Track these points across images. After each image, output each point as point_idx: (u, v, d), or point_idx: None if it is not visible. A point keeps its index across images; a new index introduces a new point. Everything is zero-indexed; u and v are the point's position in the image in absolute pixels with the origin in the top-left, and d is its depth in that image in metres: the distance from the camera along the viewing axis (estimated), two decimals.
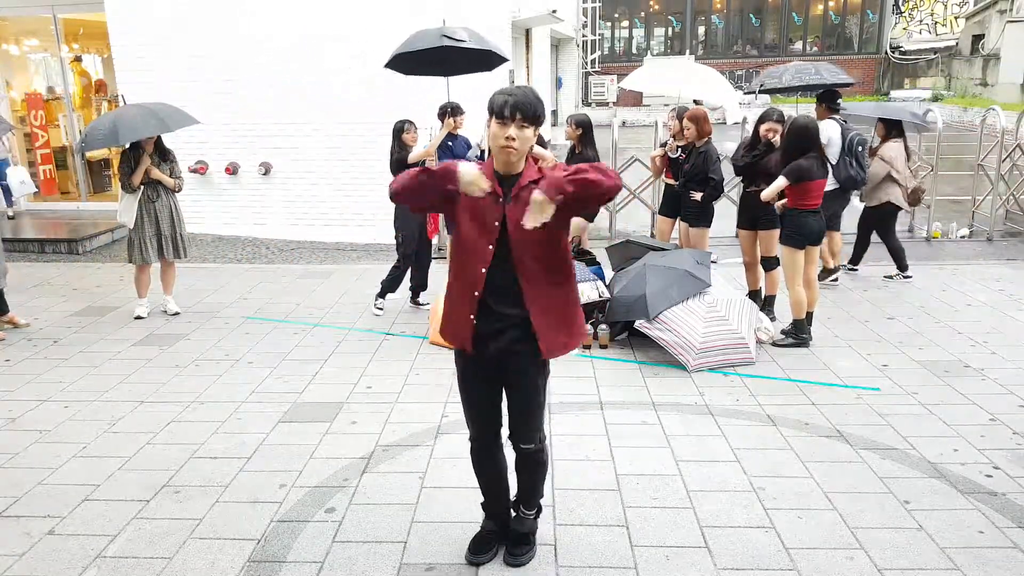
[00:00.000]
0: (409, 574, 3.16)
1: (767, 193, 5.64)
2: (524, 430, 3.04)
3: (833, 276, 7.21)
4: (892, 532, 3.38)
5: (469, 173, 2.69)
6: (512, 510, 3.30)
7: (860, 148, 6.88)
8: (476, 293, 2.82)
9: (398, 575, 3.16)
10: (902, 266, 7.28)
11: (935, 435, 4.28)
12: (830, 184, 6.32)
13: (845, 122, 7.02)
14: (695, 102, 8.12)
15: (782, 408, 4.67)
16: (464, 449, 4.14)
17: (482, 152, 6.87)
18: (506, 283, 2.80)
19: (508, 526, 3.28)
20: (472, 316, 2.84)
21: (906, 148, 7.32)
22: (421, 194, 2.82)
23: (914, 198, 6.58)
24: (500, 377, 3.00)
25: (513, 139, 2.67)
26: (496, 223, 2.76)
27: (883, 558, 3.20)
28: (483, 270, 2.79)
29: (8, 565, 3.25)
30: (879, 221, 7.37)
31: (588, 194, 2.65)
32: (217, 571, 3.20)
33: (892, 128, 7.34)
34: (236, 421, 4.62)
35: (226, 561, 3.26)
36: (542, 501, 3.32)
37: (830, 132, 6.77)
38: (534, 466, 3.13)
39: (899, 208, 7.32)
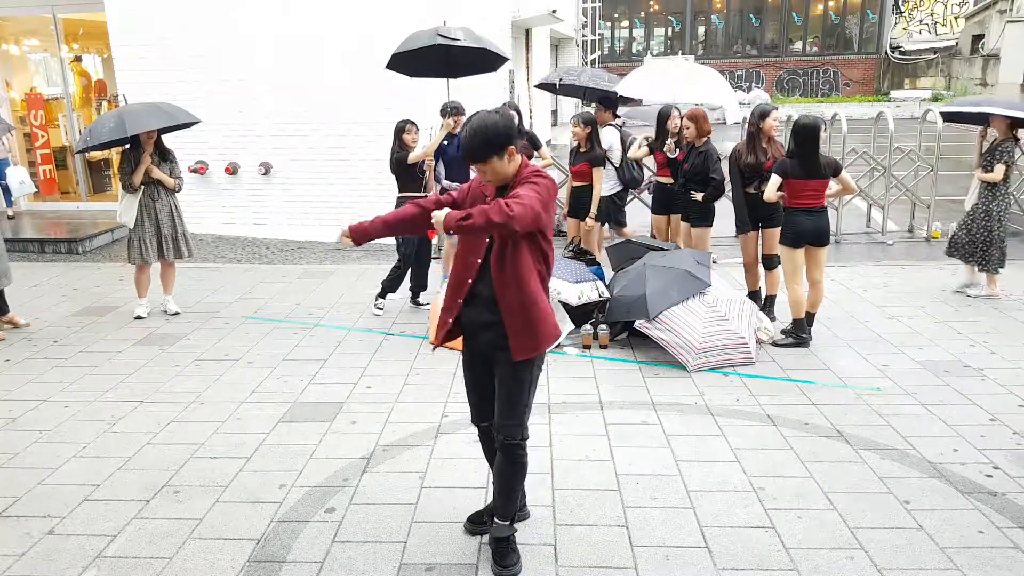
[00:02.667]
0: (409, 574, 3.16)
1: (767, 193, 5.66)
2: (504, 422, 3.09)
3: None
4: (892, 532, 3.38)
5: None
6: (488, 520, 3.33)
7: None
8: (460, 300, 3.06)
9: (398, 575, 3.16)
10: None
11: (935, 435, 4.28)
12: (616, 185, 7.17)
13: (623, 126, 7.54)
14: (693, 104, 8.14)
15: (782, 408, 4.67)
16: (464, 449, 4.16)
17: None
18: (488, 289, 2.98)
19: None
20: (450, 320, 3.10)
21: None
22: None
23: None
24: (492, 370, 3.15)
25: (486, 174, 2.94)
26: (487, 239, 2.96)
27: (883, 558, 3.20)
28: (469, 281, 3.02)
29: (8, 565, 3.25)
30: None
31: (478, 231, 2.80)
32: (217, 571, 3.20)
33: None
34: (236, 421, 4.62)
35: (226, 561, 3.26)
36: (542, 501, 3.32)
37: (610, 138, 7.24)
38: (511, 464, 3.12)
39: None
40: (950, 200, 10.35)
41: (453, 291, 3.08)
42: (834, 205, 9.51)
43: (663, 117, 7.03)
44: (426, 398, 4.89)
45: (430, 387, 5.06)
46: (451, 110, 6.70)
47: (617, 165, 7.26)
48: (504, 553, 3.16)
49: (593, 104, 7.53)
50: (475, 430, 3.39)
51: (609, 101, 7.40)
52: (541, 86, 7.81)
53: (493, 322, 2.98)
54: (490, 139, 2.85)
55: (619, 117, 7.68)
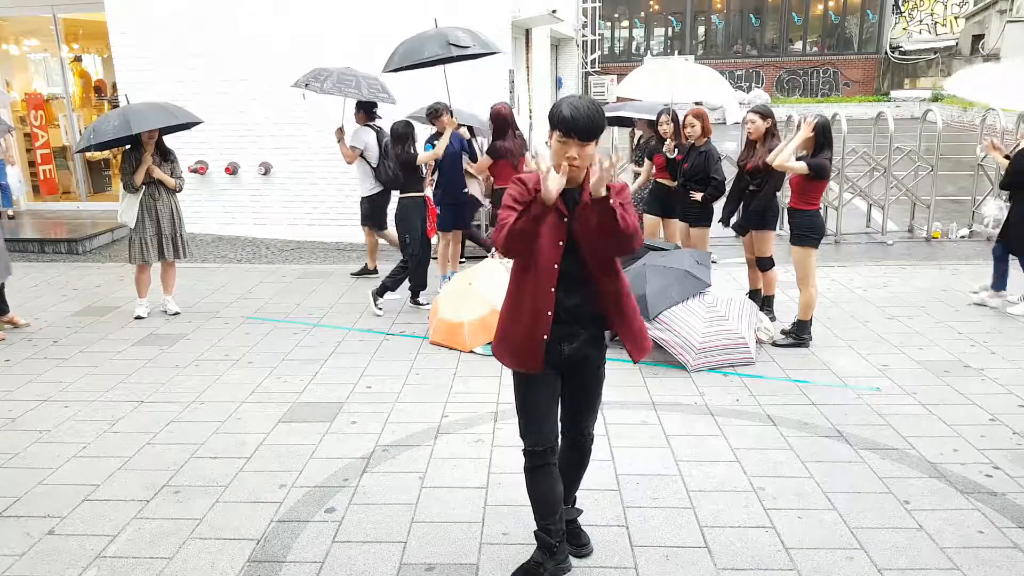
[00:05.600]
0: (409, 574, 3.16)
1: (782, 158, 5.40)
2: (590, 417, 3.13)
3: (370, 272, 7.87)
4: (892, 532, 3.38)
5: (552, 182, 2.62)
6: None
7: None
8: (549, 313, 2.82)
9: (398, 575, 3.16)
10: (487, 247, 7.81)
11: (935, 435, 4.28)
12: (375, 186, 7.46)
13: (380, 130, 7.54)
14: (692, 104, 8.13)
15: (782, 408, 4.67)
16: (464, 449, 4.15)
17: (471, 141, 7.21)
18: (575, 295, 2.84)
19: (558, 553, 3.09)
20: (545, 336, 2.83)
21: None
22: (534, 231, 2.71)
23: (488, 191, 7.69)
24: (565, 380, 3.01)
25: (575, 157, 2.68)
26: (561, 243, 2.77)
27: (883, 558, 3.20)
28: (552, 289, 2.80)
29: (8, 565, 3.25)
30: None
31: (613, 228, 2.67)
32: (217, 571, 3.20)
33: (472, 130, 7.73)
34: (236, 421, 4.62)
35: (226, 561, 3.26)
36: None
37: (366, 139, 7.46)
38: (587, 456, 3.21)
39: (479, 201, 7.87)
40: (950, 200, 10.35)
41: (532, 314, 2.82)
42: (834, 205, 9.53)
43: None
44: (426, 398, 4.89)
45: (430, 387, 5.06)
46: (442, 110, 6.75)
47: (374, 165, 7.42)
48: (578, 533, 3.27)
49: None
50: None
51: (366, 104, 7.49)
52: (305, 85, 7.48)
53: (581, 333, 2.89)
54: (601, 112, 2.72)
55: (381, 118, 7.60)
